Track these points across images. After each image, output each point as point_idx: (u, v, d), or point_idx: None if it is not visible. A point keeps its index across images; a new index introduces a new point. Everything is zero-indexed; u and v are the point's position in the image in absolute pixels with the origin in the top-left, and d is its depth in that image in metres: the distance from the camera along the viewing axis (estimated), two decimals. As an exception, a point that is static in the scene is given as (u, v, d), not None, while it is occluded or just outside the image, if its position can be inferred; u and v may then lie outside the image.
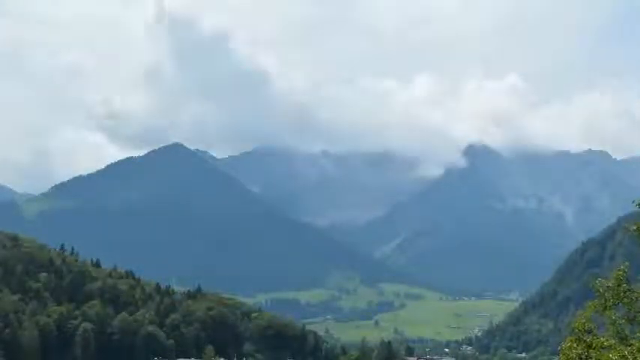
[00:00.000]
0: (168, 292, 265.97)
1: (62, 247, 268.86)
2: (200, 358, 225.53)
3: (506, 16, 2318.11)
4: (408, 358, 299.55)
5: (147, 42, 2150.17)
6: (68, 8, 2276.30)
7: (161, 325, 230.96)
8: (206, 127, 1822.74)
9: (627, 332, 30.51)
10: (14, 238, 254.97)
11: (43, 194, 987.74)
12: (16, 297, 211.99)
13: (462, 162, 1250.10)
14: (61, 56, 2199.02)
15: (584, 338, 30.11)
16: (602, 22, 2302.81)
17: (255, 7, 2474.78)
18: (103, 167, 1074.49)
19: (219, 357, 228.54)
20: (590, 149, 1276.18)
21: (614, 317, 30.55)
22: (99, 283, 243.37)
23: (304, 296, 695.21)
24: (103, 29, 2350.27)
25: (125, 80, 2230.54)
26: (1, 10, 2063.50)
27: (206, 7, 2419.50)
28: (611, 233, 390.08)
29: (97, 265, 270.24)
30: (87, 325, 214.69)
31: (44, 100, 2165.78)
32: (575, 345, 30.21)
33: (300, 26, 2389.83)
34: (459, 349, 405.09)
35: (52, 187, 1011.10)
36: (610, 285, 30.67)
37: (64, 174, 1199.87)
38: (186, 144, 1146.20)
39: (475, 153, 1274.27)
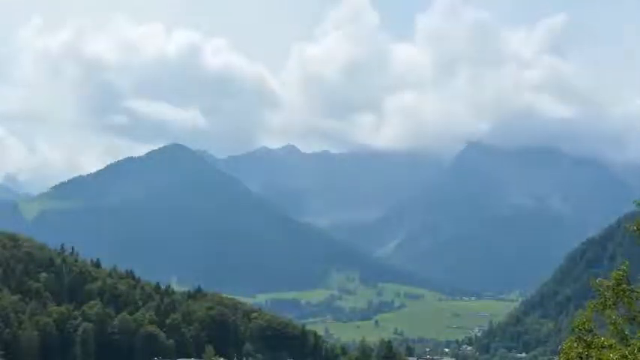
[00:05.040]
0: (168, 292, 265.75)
1: (62, 247, 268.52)
2: (200, 358, 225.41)
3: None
4: (408, 358, 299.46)
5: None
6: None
7: (161, 325, 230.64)
8: (206, 127, 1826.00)
9: (627, 332, 30.51)
10: (14, 238, 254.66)
11: (43, 194, 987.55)
12: (16, 297, 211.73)
13: (461, 162, 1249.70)
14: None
15: (585, 338, 30.10)
16: None
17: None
18: (103, 167, 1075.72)
19: (219, 357, 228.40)
20: (590, 149, 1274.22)
21: (614, 317, 30.55)
22: (99, 283, 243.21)
23: (304, 296, 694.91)
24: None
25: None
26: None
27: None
28: (611, 233, 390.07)
29: (97, 265, 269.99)
30: (87, 325, 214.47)
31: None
32: (575, 344, 30.22)
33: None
34: (459, 349, 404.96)
35: (52, 187, 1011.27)
36: (610, 285, 30.68)
37: (64, 174, 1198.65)
38: (186, 144, 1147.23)
39: (475, 152, 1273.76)
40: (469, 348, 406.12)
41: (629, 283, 30.68)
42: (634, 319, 30.51)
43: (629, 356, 28.43)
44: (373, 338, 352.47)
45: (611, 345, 29.55)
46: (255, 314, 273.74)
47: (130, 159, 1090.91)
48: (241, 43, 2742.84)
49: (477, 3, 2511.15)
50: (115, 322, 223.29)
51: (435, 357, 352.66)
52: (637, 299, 30.48)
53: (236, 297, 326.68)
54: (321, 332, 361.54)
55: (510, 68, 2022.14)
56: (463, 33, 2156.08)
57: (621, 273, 30.59)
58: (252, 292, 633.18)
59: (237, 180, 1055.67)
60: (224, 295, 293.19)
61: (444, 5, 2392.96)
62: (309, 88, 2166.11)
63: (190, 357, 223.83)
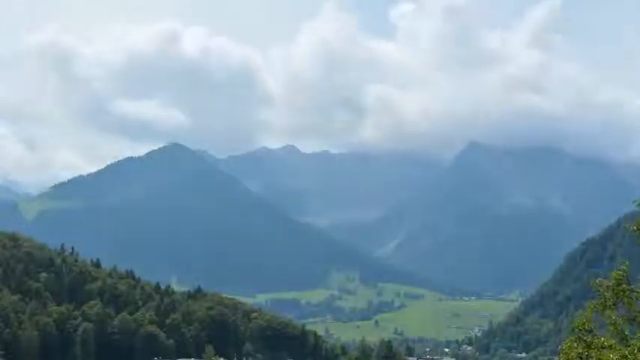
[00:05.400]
0: (168, 292, 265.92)
1: (62, 247, 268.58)
2: (200, 358, 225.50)
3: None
4: (408, 358, 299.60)
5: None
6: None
7: (161, 325, 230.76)
8: (206, 127, 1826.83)
9: (627, 332, 30.49)
10: (14, 238, 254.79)
11: (43, 194, 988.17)
12: (16, 297, 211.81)
13: (461, 162, 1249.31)
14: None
15: (585, 338, 30.07)
16: None
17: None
18: (103, 167, 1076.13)
19: (219, 357, 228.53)
20: (590, 149, 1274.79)
21: (614, 317, 30.52)
22: (99, 283, 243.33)
23: (304, 296, 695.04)
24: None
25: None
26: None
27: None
28: (611, 233, 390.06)
29: (97, 265, 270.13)
30: (87, 325, 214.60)
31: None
32: (575, 345, 30.19)
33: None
34: (459, 349, 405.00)
35: (52, 187, 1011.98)
36: (609, 285, 30.65)
37: (64, 174, 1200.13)
38: (186, 144, 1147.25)
39: (475, 152, 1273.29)
40: (469, 348, 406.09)
41: (629, 283, 30.66)
42: (634, 320, 30.49)
43: (629, 356, 28.40)
44: (373, 338, 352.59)
45: (611, 345, 29.53)
46: (255, 314, 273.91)
47: (130, 159, 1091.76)
48: (239, 41, 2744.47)
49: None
50: (115, 322, 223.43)
51: (435, 357, 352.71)
52: (637, 299, 30.46)
53: (236, 297, 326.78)
54: (321, 332, 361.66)
55: (510, 67, 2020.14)
56: (460, 31, 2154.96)
57: (621, 273, 30.56)
58: (252, 292, 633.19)
59: (237, 180, 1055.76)
60: (224, 295, 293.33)
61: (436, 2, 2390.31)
62: (309, 87, 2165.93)
63: (190, 357, 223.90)
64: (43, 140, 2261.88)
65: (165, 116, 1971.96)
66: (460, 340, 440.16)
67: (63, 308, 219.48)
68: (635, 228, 31.47)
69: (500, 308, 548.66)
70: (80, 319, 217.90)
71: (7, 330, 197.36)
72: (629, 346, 29.26)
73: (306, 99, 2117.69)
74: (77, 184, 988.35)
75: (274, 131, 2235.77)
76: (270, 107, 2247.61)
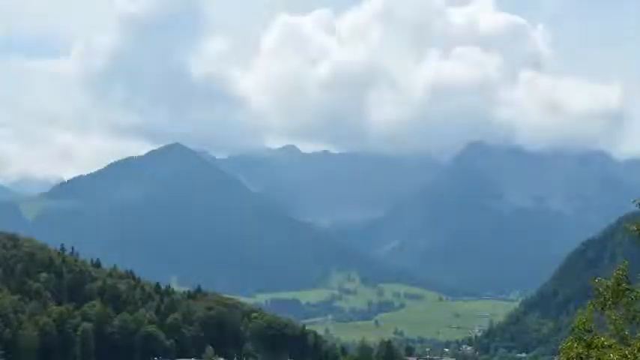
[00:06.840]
0: (168, 292, 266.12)
1: (62, 247, 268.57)
2: (200, 358, 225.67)
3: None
4: (408, 358, 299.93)
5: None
6: None
7: (161, 325, 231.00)
8: (206, 127, 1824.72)
9: (627, 332, 30.49)
10: (14, 238, 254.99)
11: (43, 194, 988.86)
12: (16, 297, 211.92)
13: (461, 161, 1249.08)
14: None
15: (584, 338, 30.07)
16: None
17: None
18: (103, 167, 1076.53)
19: (219, 357, 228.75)
20: (590, 149, 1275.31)
21: (614, 317, 30.53)
22: (99, 283, 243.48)
23: (304, 296, 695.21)
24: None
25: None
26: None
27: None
28: (611, 233, 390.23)
29: (97, 265, 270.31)
30: (87, 325, 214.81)
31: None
32: (575, 344, 30.18)
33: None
34: (459, 349, 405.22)
35: (52, 187, 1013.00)
36: (609, 284, 30.66)
37: (64, 174, 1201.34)
38: (187, 144, 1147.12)
39: (475, 152, 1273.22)
40: (469, 348, 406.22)
41: (628, 283, 30.67)
42: (634, 319, 30.50)
43: (629, 356, 28.41)
44: (373, 338, 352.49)
45: (611, 345, 29.53)
46: (255, 314, 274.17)
47: (130, 159, 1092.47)
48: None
49: None
50: (115, 322, 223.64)
51: (435, 357, 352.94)
52: (637, 299, 30.46)
53: (236, 297, 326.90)
54: (321, 332, 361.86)
55: (508, 67, 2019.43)
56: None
57: (621, 273, 30.57)
58: (252, 292, 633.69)
59: (238, 180, 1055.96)
60: (224, 295, 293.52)
61: None
62: (307, 86, 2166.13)
63: (190, 357, 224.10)
64: (43, 140, 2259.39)
65: (164, 117, 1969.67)
66: (460, 340, 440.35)
67: (63, 308, 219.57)
68: (635, 228, 31.49)
69: (501, 308, 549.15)
70: (80, 319, 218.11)
71: (7, 330, 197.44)
72: (629, 345, 29.27)
73: (306, 98, 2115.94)
74: (77, 184, 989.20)
75: (274, 131, 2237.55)
76: (271, 107, 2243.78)
